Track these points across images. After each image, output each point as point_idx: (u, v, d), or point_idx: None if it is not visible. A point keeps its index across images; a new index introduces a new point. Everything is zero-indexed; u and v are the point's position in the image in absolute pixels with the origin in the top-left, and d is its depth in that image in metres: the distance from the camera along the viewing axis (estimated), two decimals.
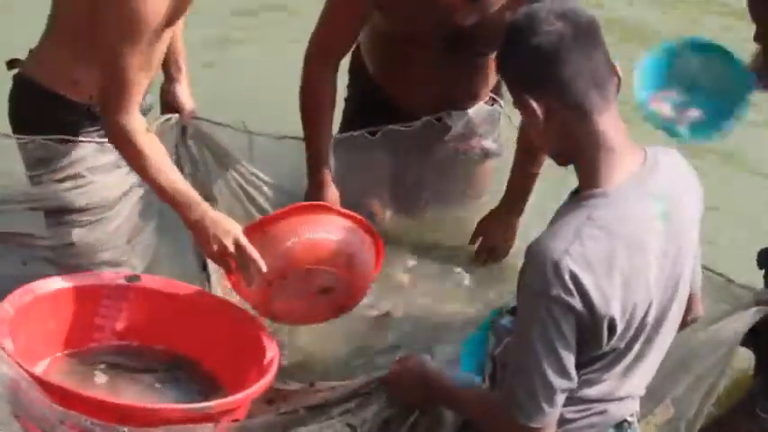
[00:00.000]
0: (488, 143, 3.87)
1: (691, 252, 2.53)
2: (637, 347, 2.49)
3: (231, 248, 2.95)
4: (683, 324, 2.64)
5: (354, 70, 3.83)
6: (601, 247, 2.35)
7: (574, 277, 2.33)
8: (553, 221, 2.45)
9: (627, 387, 2.54)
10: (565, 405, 2.45)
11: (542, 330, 2.36)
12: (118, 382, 2.99)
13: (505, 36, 2.45)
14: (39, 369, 2.92)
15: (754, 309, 2.98)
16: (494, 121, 3.85)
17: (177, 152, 3.42)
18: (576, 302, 2.34)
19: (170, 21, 2.93)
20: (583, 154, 2.41)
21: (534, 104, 2.39)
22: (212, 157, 3.50)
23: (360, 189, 3.69)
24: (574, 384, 2.43)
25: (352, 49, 3.64)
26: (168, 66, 3.45)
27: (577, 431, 2.52)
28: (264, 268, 2.97)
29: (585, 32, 2.38)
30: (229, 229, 2.96)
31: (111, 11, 2.86)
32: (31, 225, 3.23)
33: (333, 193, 3.47)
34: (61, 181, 3.18)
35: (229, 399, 2.80)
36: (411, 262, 3.75)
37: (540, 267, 2.35)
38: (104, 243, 3.25)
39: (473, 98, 3.74)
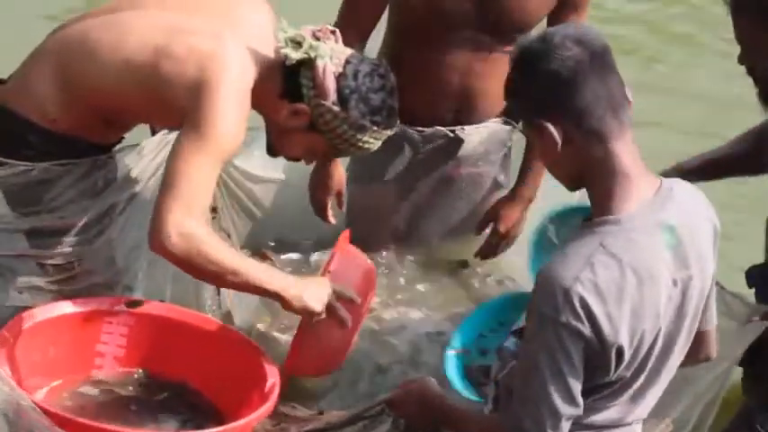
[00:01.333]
0: (499, 175, 3.84)
1: (703, 283, 2.50)
2: (644, 376, 2.47)
3: (332, 296, 2.99)
4: (695, 360, 2.63)
5: None
6: (612, 275, 2.35)
7: (584, 304, 2.33)
8: (565, 247, 2.43)
9: (634, 414, 2.53)
10: (570, 430, 2.43)
11: (550, 356, 2.35)
12: (119, 410, 2.97)
13: (519, 61, 2.44)
14: (39, 395, 2.91)
15: (751, 324, 2.97)
16: (506, 156, 3.82)
17: None
18: (586, 329, 2.34)
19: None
20: (597, 179, 2.41)
21: (552, 129, 2.38)
22: None
23: (368, 222, 3.70)
24: (580, 411, 2.41)
25: None
26: None
27: None
28: (358, 299, 3.05)
29: (601, 58, 2.39)
30: (323, 281, 3.01)
31: (196, 125, 2.87)
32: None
33: (339, 169, 3.52)
34: (53, 210, 3.14)
35: (227, 426, 2.79)
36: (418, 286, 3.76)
37: (550, 293, 2.35)
38: (94, 264, 3.21)
39: (492, 104, 3.65)
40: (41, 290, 3.14)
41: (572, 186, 2.50)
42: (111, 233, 3.21)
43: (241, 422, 2.79)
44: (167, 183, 2.86)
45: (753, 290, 3.22)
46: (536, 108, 2.41)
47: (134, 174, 3.28)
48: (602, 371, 2.41)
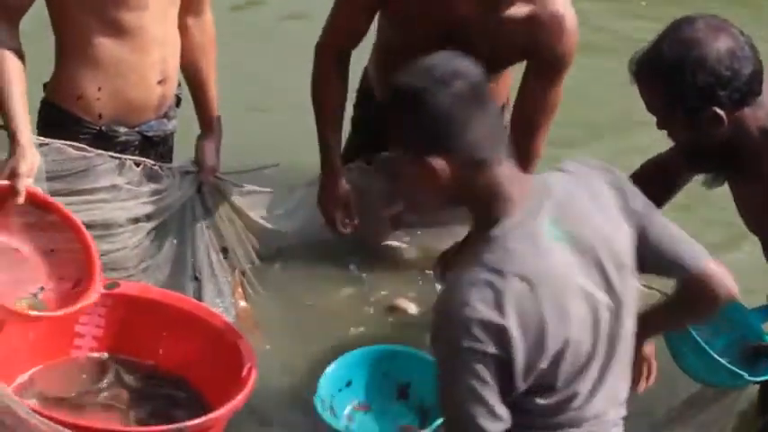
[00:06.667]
0: None
1: (611, 245, 2.44)
2: (592, 370, 2.43)
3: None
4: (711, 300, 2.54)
5: (363, 92, 3.86)
6: (497, 290, 2.31)
7: (483, 326, 2.30)
8: (454, 276, 2.40)
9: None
10: None
11: (465, 380, 2.35)
12: (95, 397, 2.98)
13: (398, 98, 2.40)
14: (18, 382, 2.96)
15: None
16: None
17: (191, 202, 3.49)
18: (489, 348, 2.30)
19: None
20: (479, 204, 2.40)
21: (438, 163, 2.35)
22: (223, 214, 3.57)
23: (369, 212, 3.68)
24: (506, 424, 2.39)
25: (362, 74, 3.76)
26: (201, 121, 3.61)
27: None
28: None
29: (480, 89, 2.37)
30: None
31: None
32: None
33: (343, 184, 3.54)
34: (75, 194, 3.24)
35: (203, 419, 2.78)
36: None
37: (448, 325, 2.33)
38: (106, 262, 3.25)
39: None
40: None
41: (443, 208, 2.49)
42: (115, 239, 3.34)
43: (218, 413, 2.80)
44: None
45: None
46: (421, 145, 2.36)
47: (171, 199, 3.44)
48: (511, 381, 2.36)
